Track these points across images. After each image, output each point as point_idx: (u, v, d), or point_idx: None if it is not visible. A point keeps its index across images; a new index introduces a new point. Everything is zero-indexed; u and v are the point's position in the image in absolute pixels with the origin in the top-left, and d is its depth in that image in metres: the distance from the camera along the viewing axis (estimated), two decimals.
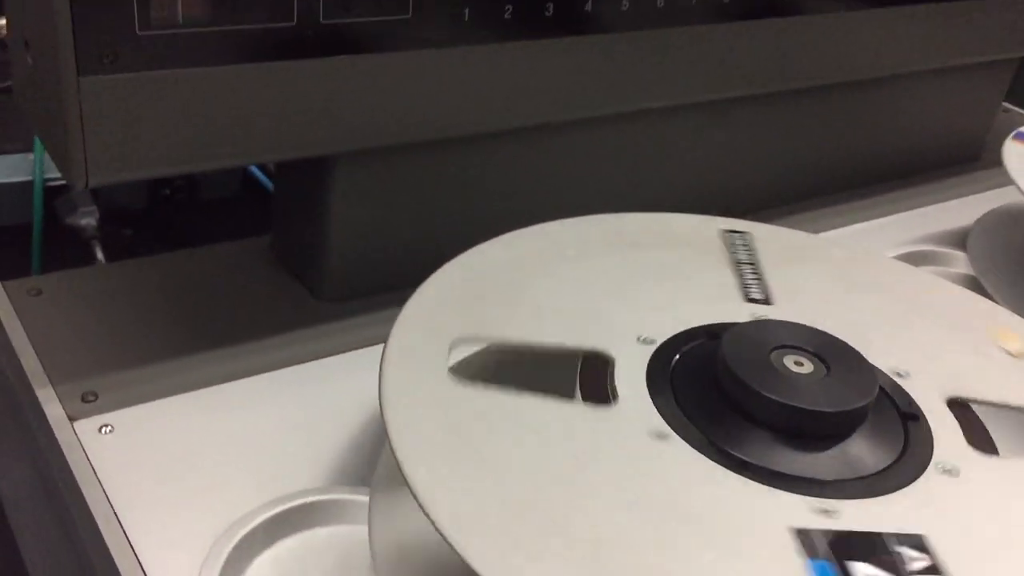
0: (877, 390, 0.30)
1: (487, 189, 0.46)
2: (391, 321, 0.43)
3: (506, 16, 0.40)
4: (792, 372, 0.31)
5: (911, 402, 0.32)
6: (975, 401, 0.32)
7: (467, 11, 0.39)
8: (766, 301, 0.37)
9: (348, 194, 0.42)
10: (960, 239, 0.56)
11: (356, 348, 0.41)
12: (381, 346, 0.33)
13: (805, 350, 0.32)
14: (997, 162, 0.65)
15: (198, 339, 0.41)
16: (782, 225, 0.55)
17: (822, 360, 0.31)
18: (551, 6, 0.41)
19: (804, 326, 0.34)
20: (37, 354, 0.39)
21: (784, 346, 0.32)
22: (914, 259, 0.55)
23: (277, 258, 0.47)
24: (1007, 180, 0.53)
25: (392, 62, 0.38)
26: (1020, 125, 0.70)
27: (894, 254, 0.54)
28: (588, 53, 0.43)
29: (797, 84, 0.51)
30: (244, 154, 0.37)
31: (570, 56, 0.42)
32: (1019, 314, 0.48)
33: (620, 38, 0.43)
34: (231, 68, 0.35)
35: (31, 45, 0.35)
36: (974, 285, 0.52)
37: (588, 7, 0.41)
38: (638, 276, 0.38)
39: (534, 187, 0.47)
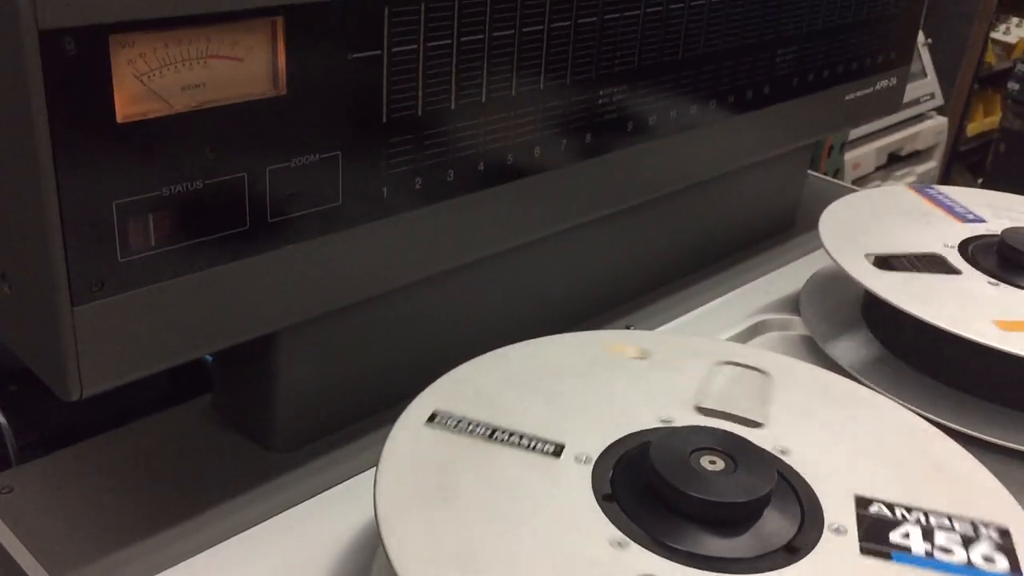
0: (776, 478, 0.38)
1: (416, 328, 0.52)
2: (347, 461, 0.49)
3: (417, 187, 0.46)
4: (708, 471, 0.39)
5: (813, 497, 0.40)
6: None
7: (385, 190, 0.45)
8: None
9: (292, 355, 0.47)
10: (794, 303, 0.66)
11: (318, 493, 0.46)
12: (340, 487, 0.44)
13: (716, 450, 0.40)
14: (810, 226, 0.76)
15: (166, 513, 0.45)
16: (634, 317, 0.64)
17: (731, 458, 0.39)
18: (452, 172, 0.47)
19: (713, 429, 0.42)
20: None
21: (699, 448, 0.40)
22: (757, 329, 0.65)
23: (222, 417, 0.51)
24: (817, 244, 0.63)
25: (328, 242, 0.43)
26: (821, 189, 0.83)
27: (740, 328, 0.64)
28: (482, 205, 0.50)
29: (642, 199, 0.60)
30: (210, 343, 0.41)
31: (472, 209, 0.49)
32: (850, 366, 0.59)
33: (505, 188, 0.50)
34: (198, 274, 0.39)
35: (10, 277, 0.38)
36: (812, 343, 0.62)
37: (480, 168, 0.48)
38: (567, 397, 0.44)
39: (457, 320, 0.54)
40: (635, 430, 0.42)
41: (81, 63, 0.34)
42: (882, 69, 0.75)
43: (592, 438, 0.41)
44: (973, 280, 0.59)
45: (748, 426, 0.44)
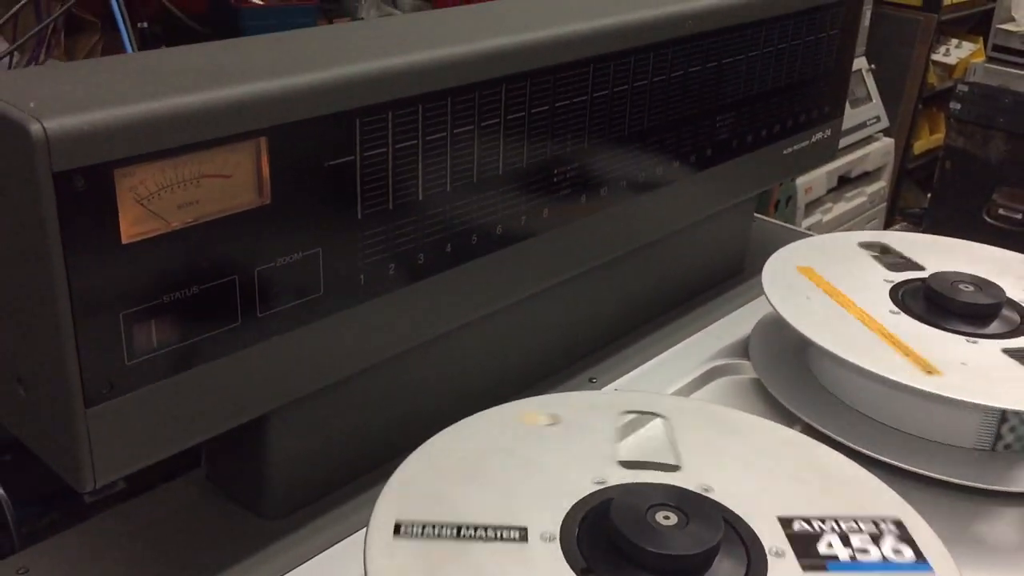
0: (723, 526, 0.43)
1: (395, 396, 0.56)
2: (338, 523, 0.53)
3: (391, 272, 0.51)
4: (662, 526, 0.43)
5: (750, 529, 0.45)
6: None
7: (362, 278, 0.49)
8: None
9: (282, 430, 0.51)
10: (744, 349, 0.71)
11: (312, 556, 0.50)
12: (333, 549, 0.48)
13: (669, 505, 0.44)
14: (758, 271, 0.81)
15: None
16: (596, 370, 0.68)
17: (682, 511, 0.44)
18: (422, 255, 0.52)
19: (663, 485, 0.46)
20: None
21: (654, 505, 0.44)
22: (710, 375, 0.70)
23: (216, 487, 0.55)
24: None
25: (313, 328, 0.48)
26: (765, 231, 0.88)
27: (696, 374, 0.69)
28: (452, 282, 0.54)
29: (598, 262, 0.65)
30: (209, 429, 0.46)
31: (442, 287, 0.53)
32: (797, 408, 0.64)
33: (472, 265, 0.55)
34: (196, 370, 0.43)
35: (26, 382, 0.42)
36: (762, 386, 0.67)
37: (448, 249, 0.53)
38: (508, 477, 0.48)
39: (432, 386, 0.58)
40: (580, 497, 0.46)
41: (89, 196, 0.38)
42: (817, 123, 0.81)
43: (546, 514, 0.45)
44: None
45: (668, 471, 0.49)
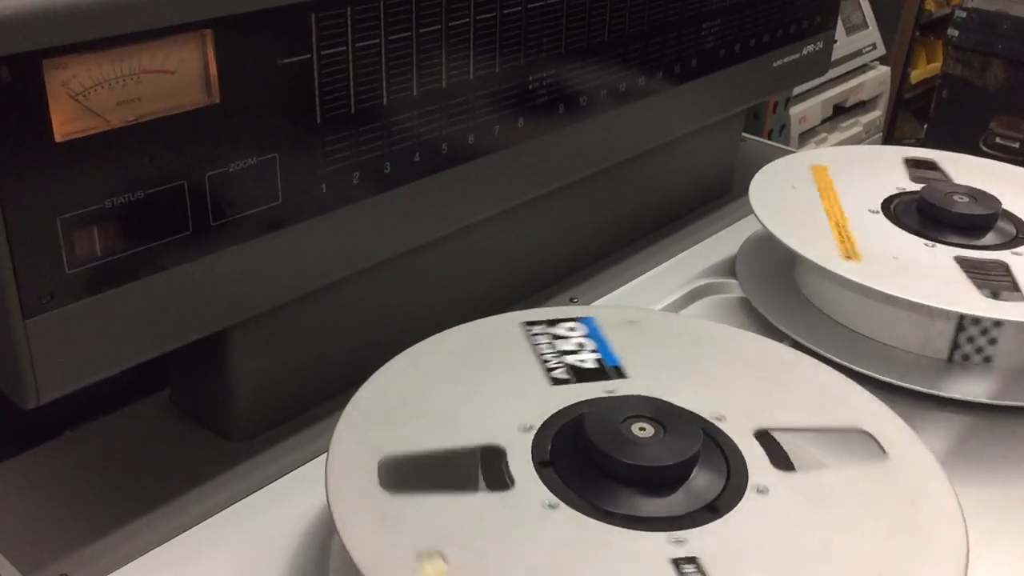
0: (701, 441, 0.41)
1: (364, 314, 0.54)
2: (304, 446, 0.51)
3: (355, 182, 0.48)
4: (638, 437, 0.41)
5: (729, 441, 0.43)
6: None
7: (324, 187, 0.47)
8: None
9: (245, 348, 0.49)
10: (731, 267, 0.69)
11: (277, 478, 0.49)
12: (297, 472, 0.47)
13: (645, 416, 0.42)
14: (747, 190, 0.78)
15: (131, 506, 0.47)
16: (578, 290, 0.66)
17: (659, 422, 0.42)
18: (389, 165, 0.49)
19: (643, 397, 0.44)
20: None
21: (630, 416, 0.42)
22: (696, 294, 0.68)
23: (181, 410, 0.53)
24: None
25: (272, 240, 0.45)
26: (755, 152, 0.85)
27: (680, 293, 0.67)
28: (421, 193, 0.51)
29: (578, 176, 0.62)
30: (161, 345, 0.43)
31: (410, 198, 0.51)
32: (785, 326, 0.62)
33: (442, 176, 0.52)
34: (145, 280, 0.41)
35: None
36: (748, 304, 0.65)
37: (416, 159, 0.50)
38: (505, 373, 0.47)
39: (403, 304, 0.56)
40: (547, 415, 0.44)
41: (16, 89, 0.35)
42: (808, 34, 0.77)
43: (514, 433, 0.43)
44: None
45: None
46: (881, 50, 2.08)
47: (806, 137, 1.91)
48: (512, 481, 0.40)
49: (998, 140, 2.13)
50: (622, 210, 0.70)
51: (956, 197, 0.63)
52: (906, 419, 0.46)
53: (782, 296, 0.65)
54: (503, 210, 0.58)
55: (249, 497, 0.48)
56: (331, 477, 0.40)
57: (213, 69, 0.41)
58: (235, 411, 0.50)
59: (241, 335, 0.48)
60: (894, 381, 0.56)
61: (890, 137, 2.36)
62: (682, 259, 0.70)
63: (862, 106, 2.07)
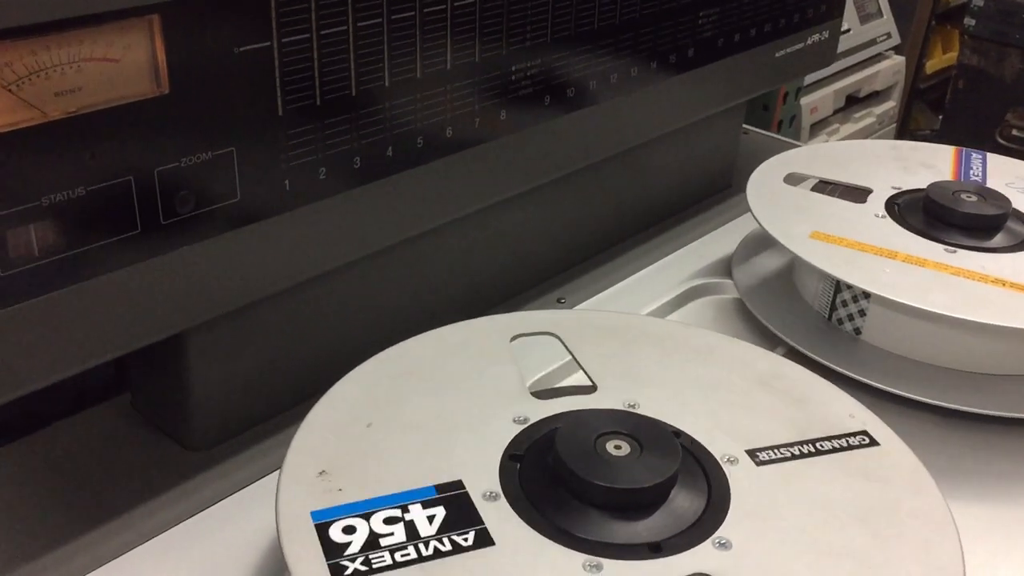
0: (680, 460, 0.38)
1: (331, 319, 0.51)
2: (266, 456, 0.49)
3: (322, 177, 0.45)
4: (613, 456, 0.39)
5: (714, 460, 0.40)
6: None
7: (287, 183, 0.44)
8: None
9: (204, 353, 0.47)
10: (728, 267, 0.66)
11: (237, 490, 0.46)
12: (259, 483, 0.44)
13: (622, 434, 0.39)
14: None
15: (87, 517, 0.44)
16: (567, 289, 0.63)
17: (637, 441, 0.39)
18: (359, 159, 0.46)
19: (621, 412, 0.42)
20: None
21: (606, 433, 0.40)
22: (690, 294, 0.65)
23: (142, 416, 0.50)
24: None
25: (229, 239, 0.43)
26: (758, 145, 0.82)
27: (673, 294, 0.64)
28: (396, 189, 0.49)
29: (570, 168, 0.59)
30: (110, 349, 0.41)
31: (384, 195, 0.48)
32: (777, 328, 0.59)
33: (419, 171, 0.49)
34: (90, 282, 0.38)
35: None
36: (744, 307, 0.62)
37: (390, 153, 0.48)
38: (474, 387, 0.44)
39: (374, 309, 0.53)
40: (509, 440, 0.41)
41: None
42: (813, 23, 0.74)
43: (480, 469, 0.40)
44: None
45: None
46: (896, 39, 2.04)
47: (817, 128, 1.87)
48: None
49: (1014, 132, 2.09)
50: (615, 206, 0.68)
51: (964, 196, 0.60)
52: (916, 435, 0.43)
53: (779, 299, 0.62)
54: (485, 207, 0.55)
55: (206, 510, 0.45)
56: (281, 508, 0.37)
57: (161, 57, 0.38)
58: (194, 419, 0.48)
59: (199, 340, 0.46)
60: (917, 397, 0.53)
61: (904, 128, 2.31)
62: (676, 258, 0.68)
63: (876, 96, 2.03)
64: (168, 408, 0.49)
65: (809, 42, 0.75)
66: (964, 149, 0.69)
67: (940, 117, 2.28)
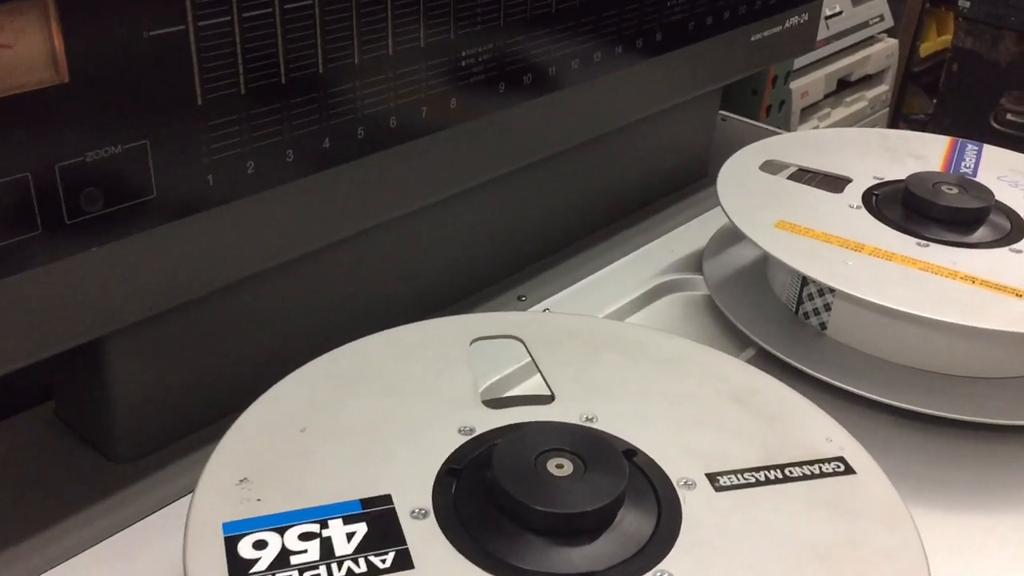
0: (626, 481, 0.35)
1: (264, 322, 0.48)
2: (194, 469, 0.45)
3: (249, 172, 0.42)
4: (553, 476, 0.36)
5: (669, 483, 0.37)
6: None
7: (210, 178, 0.41)
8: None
9: (125, 360, 0.44)
10: (698, 262, 0.63)
11: (164, 505, 0.43)
12: (187, 499, 0.37)
13: (566, 451, 0.36)
14: None
15: (4, 532, 0.41)
16: (528, 286, 0.60)
17: (581, 459, 0.36)
18: (291, 152, 0.43)
19: (569, 426, 0.39)
20: None
21: (549, 450, 0.37)
22: (659, 291, 0.62)
23: (66, 424, 0.47)
24: None
25: (145, 239, 0.40)
26: (737, 133, 0.79)
27: (642, 291, 0.61)
28: (333, 184, 0.46)
29: (533, 158, 0.56)
30: (14, 358, 0.38)
31: (319, 189, 0.45)
32: (744, 324, 0.56)
33: (357, 164, 0.46)
34: None
35: None
36: (714, 304, 0.59)
37: (326, 144, 0.44)
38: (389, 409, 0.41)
39: (313, 310, 0.50)
40: (448, 454, 0.38)
41: None
42: (791, 5, 0.71)
43: (412, 483, 0.37)
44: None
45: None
46: (889, 22, 2.00)
47: (808, 113, 1.83)
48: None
49: (1009, 116, 2.05)
50: (581, 197, 0.64)
51: (944, 188, 0.57)
52: (875, 438, 0.40)
53: (749, 293, 0.59)
54: (436, 200, 0.52)
55: (130, 527, 0.42)
56: (192, 517, 0.34)
57: (59, 43, 0.35)
58: (118, 429, 0.45)
59: (120, 345, 0.43)
60: (879, 398, 0.50)
61: (897, 113, 2.28)
62: (645, 252, 0.64)
63: (868, 80, 1.99)
64: (92, 418, 0.46)
65: (787, 26, 0.71)
66: (960, 140, 0.66)
67: (934, 101, 2.24)
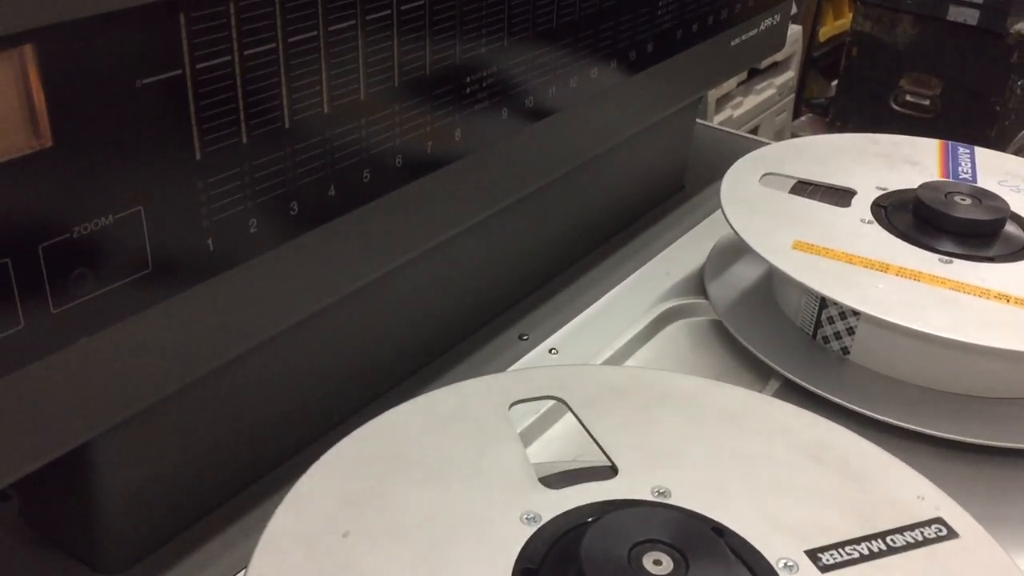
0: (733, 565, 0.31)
1: (260, 396, 0.42)
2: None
3: (252, 231, 0.36)
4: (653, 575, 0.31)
5: (768, 566, 0.33)
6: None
7: (210, 243, 0.35)
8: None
9: (113, 458, 0.37)
10: (698, 283, 0.59)
11: None
12: None
13: (662, 542, 0.32)
14: (701, 185, 0.69)
15: None
16: (527, 323, 0.55)
17: (680, 552, 0.32)
18: (296, 204, 0.38)
19: (658, 510, 0.34)
20: None
21: (642, 542, 0.32)
22: (663, 319, 0.58)
23: (34, 531, 0.41)
24: (715, 205, 0.57)
25: (139, 321, 0.33)
26: (704, 140, 0.76)
27: (647, 320, 0.57)
28: (340, 236, 0.40)
29: (521, 192, 0.52)
30: (14, 468, 0.31)
31: (324, 244, 0.40)
32: (757, 348, 0.52)
33: (368, 209, 0.41)
34: None
35: None
36: (724, 328, 0.56)
37: (332, 193, 0.39)
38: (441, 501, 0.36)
39: (312, 384, 0.45)
40: (520, 548, 0.33)
41: None
42: (765, 7, 0.68)
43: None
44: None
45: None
46: (792, 8, 2.02)
47: (723, 102, 1.84)
48: None
49: (908, 98, 2.10)
50: (566, 225, 0.60)
51: (958, 198, 0.55)
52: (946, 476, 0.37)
53: (758, 315, 0.56)
54: (448, 236, 0.47)
55: None
56: None
57: (39, 99, 0.28)
58: (103, 536, 0.38)
59: (106, 443, 0.36)
60: (904, 424, 0.47)
61: (799, 98, 2.31)
62: (640, 278, 0.60)
63: (775, 67, 2.01)
64: (70, 523, 0.39)
65: (762, 27, 0.68)
66: (950, 143, 0.64)
67: (834, 84, 2.28)
